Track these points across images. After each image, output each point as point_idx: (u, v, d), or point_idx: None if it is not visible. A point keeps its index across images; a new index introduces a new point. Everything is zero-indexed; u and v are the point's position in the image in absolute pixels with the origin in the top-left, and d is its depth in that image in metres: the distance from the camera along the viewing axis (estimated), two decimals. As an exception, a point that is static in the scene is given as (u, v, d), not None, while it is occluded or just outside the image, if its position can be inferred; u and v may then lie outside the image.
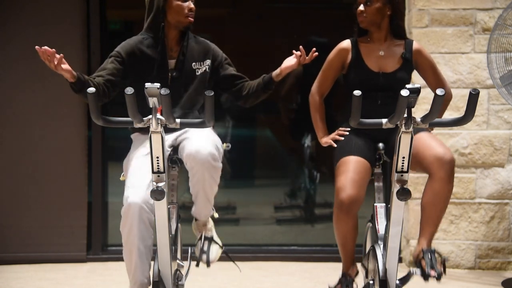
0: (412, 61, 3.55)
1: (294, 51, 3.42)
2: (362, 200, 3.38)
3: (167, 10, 3.35)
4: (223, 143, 3.42)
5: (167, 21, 3.38)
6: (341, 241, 3.48)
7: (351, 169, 3.36)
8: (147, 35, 3.39)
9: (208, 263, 3.46)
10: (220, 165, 3.27)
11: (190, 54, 3.41)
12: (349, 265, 3.53)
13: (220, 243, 3.55)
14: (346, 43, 3.58)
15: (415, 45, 3.57)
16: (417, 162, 3.35)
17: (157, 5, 3.35)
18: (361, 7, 3.50)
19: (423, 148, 3.33)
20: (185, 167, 3.28)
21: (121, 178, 3.38)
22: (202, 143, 3.18)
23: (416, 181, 4.82)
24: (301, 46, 3.42)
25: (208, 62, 3.45)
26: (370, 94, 3.39)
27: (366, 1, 3.49)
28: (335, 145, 3.53)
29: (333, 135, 3.59)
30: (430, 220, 3.37)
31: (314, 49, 3.42)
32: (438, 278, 3.20)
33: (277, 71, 3.46)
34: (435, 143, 3.36)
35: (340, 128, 3.58)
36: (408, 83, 3.48)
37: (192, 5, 3.37)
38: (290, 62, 3.44)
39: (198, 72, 3.42)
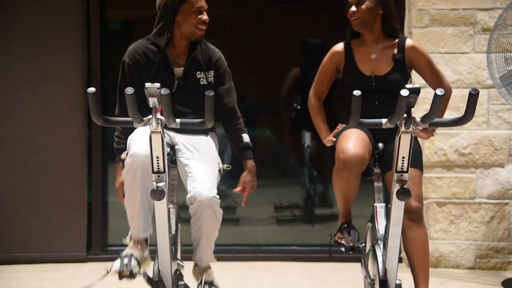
0: (405, 60, 3.53)
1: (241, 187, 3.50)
2: (366, 162, 3.36)
3: (180, 22, 3.34)
4: (223, 163, 3.43)
5: (178, 31, 3.36)
6: (342, 197, 3.47)
7: (353, 136, 3.35)
8: (154, 41, 3.38)
9: None
10: (221, 210, 3.28)
11: (196, 63, 3.40)
12: (348, 215, 3.56)
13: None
14: (339, 47, 3.59)
15: (408, 43, 3.55)
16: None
17: (169, 17, 3.33)
18: (353, 8, 3.49)
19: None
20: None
21: (123, 156, 3.36)
22: (205, 185, 3.19)
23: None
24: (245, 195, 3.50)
25: (212, 73, 3.43)
26: (367, 95, 3.38)
27: (358, 2, 3.48)
28: (334, 139, 3.53)
29: (334, 132, 3.59)
30: (418, 268, 3.38)
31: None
32: None
33: (245, 169, 3.50)
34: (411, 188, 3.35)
35: (339, 124, 3.60)
36: (403, 83, 3.48)
37: (205, 17, 3.36)
38: (241, 184, 3.51)
39: (202, 82, 3.40)
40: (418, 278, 3.41)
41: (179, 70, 3.38)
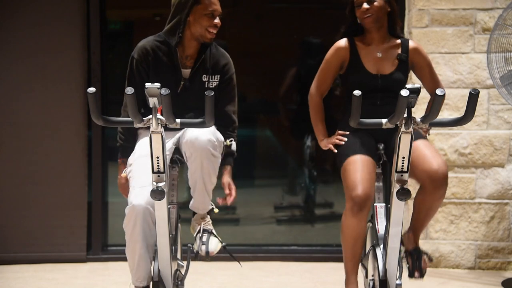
0: (408, 60, 3.53)
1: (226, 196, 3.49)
2: (372, 199, 3.38)
3: (192, 23, 3.33)
4: (225, 140, 3.41)
5: (189, 32, 3.35)
6: (351, 245, 3.40)
7: (360, 168, 3.35)
8: (165, 39, 3.37)
9: (207, 254, 3.41)
10: (219, 154, 3.26)
11: (204, 66, 3.39)
12: (354, 274, 3.46)
13: (220, 238, 3.54)
14: (344, 42, 3.55)
15: (412, 44, 3.56)
16: (410, 173, 3.34)
17: (182, 16, 3.32)
18: (365, 5, 3.46)
19: (416, 160, 3.31)
20: (185, 160, 3.28)
21: (123, 175, 3.37)
22: (202, 131, 3.17)
23: (416, 181, 4.81)
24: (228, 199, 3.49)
25: (218, 77, 3.42)
26: (369, 95, 3.38)
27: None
28: (335, 150, 3.50)
29: (333, 139, 3.56)
30: (420, 222, 3.45)
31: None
32: (421, 277, 3.45)
33: (223, 174, 3.48)
34: (429, 155, 3.34)
35: (339, 132, 3.57)
36: (405, 83, 3.49)
37: (217, 20, 3.34)
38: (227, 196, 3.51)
39: (207, 85, 3.40)
40: (416, 226, 3.47)
41: (186, 72, 3.37)
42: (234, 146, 3.50)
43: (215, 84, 3.42)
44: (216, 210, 3.53)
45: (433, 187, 3.30)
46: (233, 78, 3.48)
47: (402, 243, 3.41)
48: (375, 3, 3.46)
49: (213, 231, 3.51)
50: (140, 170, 3.20)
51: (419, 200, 3.40)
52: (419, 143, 3.37)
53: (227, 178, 3.47)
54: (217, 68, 3.42)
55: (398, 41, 3.55)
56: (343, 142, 3.49)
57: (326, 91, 3.65)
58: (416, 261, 3.43)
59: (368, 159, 3.39)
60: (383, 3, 3.47)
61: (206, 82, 3.40)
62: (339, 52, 3.55)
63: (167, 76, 3.31)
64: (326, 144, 3.57)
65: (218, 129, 3.37)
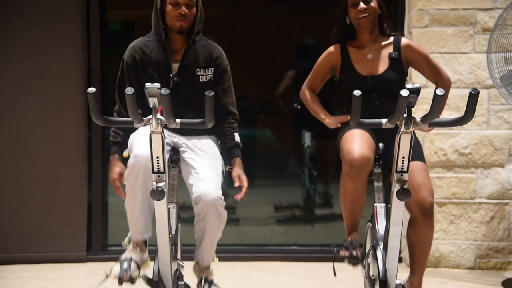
0: (401, 58, 3.54)
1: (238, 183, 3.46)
2: (371, 164, 3.37)
3: (164, 14, 3.34)
4: (226, 165, 3.43)
5: (166, 25, 3.36)
6: (349, 206, 3.44)
7: (358, 137, 3.36)
8: (153, 37, 3.39)
9: None
10: (225, 212, 3.28)
11: (195, 59, 3.38)
12: (355, 230, 3.52)
13: (220, 287, 3.55)
14: (335, 47, 3.61)
15: (403, 42, 3.56)
16: None
17: (156, 8, 3.35)
18: (362, 5, 3.47)
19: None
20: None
21: (124, 154, 3.37)
22: (210, 186, 3.20)
23: (416, 181, 4.81)
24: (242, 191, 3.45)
25: (212, 70, 3.41)
26: (366, 96, 3.38)
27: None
28: (340, 123, 3.53)
29: (339, 118, 3.58)
30: (418, 260, 3.46)
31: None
32: None
33: (233, 167, 3.48)
34: (418, 183, 3.34)
35: (340, 116, 3.60)
36: (399, 81, 3.50)
37: (183, 9, 3.31)
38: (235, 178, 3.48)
39: (201, 79, 3.39)
40: (416, 269, 3.48)
41: (175, 66, 3.38)
42: (237, 138, 3.50)
43: (210, 77, 3.41)
44: (216, 260, 3.53)
45: (422, 216, 3.34)
46: (227, 69, 3.47)
47: None
48: (372, 4, 3.48)
49: (214, 280, 3.52)
50: (141, 139, 3.18)
51: (412, 235, 3.41)
52: (414, 167, 3.36)
53: (237, 171, 3.46)
54: (210, 61, 3.41)
55: (391, 39, 3.57)
56: (347, 119, 3.49)
57: (317, 90, 3.71)
58: None
59: (366, 134, 3.41)
60: (377, 3, 3.52)
61: (201, 76, 3.39)
62: (330, 56, 3.62)
63: (156, 73, 3.32)
64: (332, 122, 3.58)
65: (218, 122, 3.36)
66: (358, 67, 3.53)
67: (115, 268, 3.20)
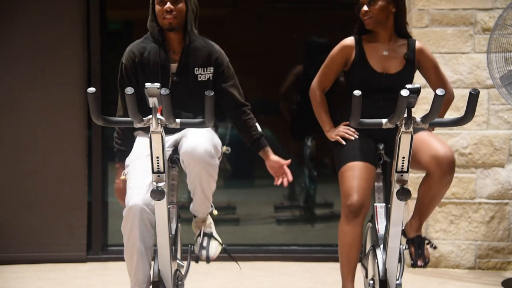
0: (415, 61, 3.53)
1: (278, 175, 3.51)
2: (369, 207, 3.38)
3: (156, 14, 3.35)
4: (223, 145, 3.41)
5: (160, 25, 3.36)
6: (346, 251, 3.42)
7: (357, 175, 3.35)
8: (149, 39, 3.38)
9: (207, 259, 3.45)
10: (217, 162, 3.26)
11: (193, 59, 3.37)
12: (350, 281, 3.46)
13: (220, 240, 3.55)
14: (350, 40, 3.54)
15: (418, 45, 3.55)
16: (416, 161, 3.34)
17: (150, 9, 3.35)
18: (365, 8, 3.46)
19: (422, 147, 3.32)
20: (183, 168, 3.28)
21: (122, 177, 3.38)
22: (199, 140, 3.18)
23: (416, 181, 4.81)
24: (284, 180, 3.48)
25: (211, 69, 3.40)
26: (372, 95, 3.38)
27: (369, 1, 3.46)
28: (344, 143, 3.49)
29: (341, 131, 3.54)
30: (423, 209, 3.44)
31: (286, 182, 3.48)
32: (425, 266, 3.41)
33: (270, 165, 3.53)
34: (434, 141, 3.34)
35: (344, 122, 3.56)
36: (410, 83, 3.47)
37: (168, 5, 3.29)
38: (271, 169, 3.53)
39: (200, 78, 3.38)
40: (419, 213, 3.46)
41: (174, 66, 3.37)
42: (259, 128, 3.51)
43: (208, 77, 3.40)
44: (215, 212, 3.54)
45: (440, 172, 3.29)
46: (229, 66, 3.47)
47: (403, 233, 3.41)
48: (375, 6, 3.45)
49: (213, 233, 3.51)
50: (136, 172, 3.20)
51: (425, 188, 3.38)
52: (424, 133, 3.37)
53: (273, 159, 3.48)
54: (209, 60, 3.40)
55: (405, 41, 3.55)
56: (353, 138, 3.47)
57: (328, 87, 3.65)
58: (418, 249, 3.41)
59: (366, 166, 3.39)
60: (385, 4, 3.46)
61: (199, 75, 3.38)
62: (345, 50, 3.54)
63: (155, 74, 3.31)
64: (333, 135, 3.56)
65: (234, 120, 3.43)
66: (372, 62, 3.49)
67: None
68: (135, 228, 3.10)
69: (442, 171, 3.29)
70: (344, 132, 3.52)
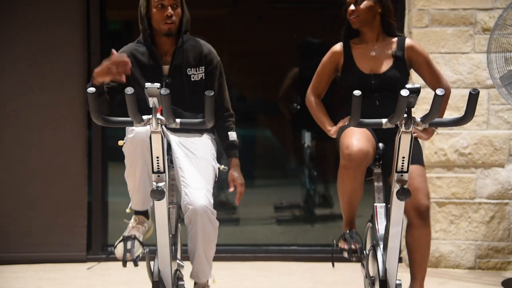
0: (405, 58, 3.54)
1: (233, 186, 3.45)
2: (371, 159, 3.36)
3: (151, 18, 3.33)
4: (220, 163, 3.41)
5: (154, 29, 3.35)
6: (347, 199, 3.43)
7: (357, 132, 3.35)
8: (142, 42, 3.38)
9: None
10: (217, 223, 3.25)
11: (184, 59, 3.37)
12: (353, 223, 3.51)
13: None
14: (339, 46, 3.60)
15: (408, 42, 3.56)
16: None
17: (141, 14, 3.34)
18: (352, 7, 3.50)
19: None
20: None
21: (120, 143, 3.33)
22: (199, 195, 3.16)
23: (416, 181, 4.81)
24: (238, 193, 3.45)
25: (202, 68, 3.40)
26: (367, 95, 3.38)
27: (356, 0, 3.49)
28: (347, 123, 3.49)
29: (339, 124, 3.57)
30: (418, 264, 3.48)
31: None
32: None
33: (231, 167, 3.46)
34: (415, 187, 3.36)
35: (341, 121, 3.59)
36: (402, 81, 3.49)
37: (169, 10, 3.29)
38: (231, 181, 3.46)
39: (193, 78, 3.38)
40: (416, 274, 3.49)
41: (166, 68, 3.37)
42: (233, 136, 3.48)
43: (201, 76, 3.39)
44: (215, 282, 3.51)
45: (418, 219, 3.38)
46: (217, 66, 3.44)
47: None
48: (361, 5, 3.48)
49: None
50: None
51: (410, 240, 3.44)
52: (412, 171, 3.34)
53: (232, 174, 3.44)
54: (200, 59, 3.40)
55: (394, 39, 3.56)
56: (346, 122, 3.48)
57: (323, 93, 3.69)
58: None
59: (365, 130, 3.40)
60: (372, 4, 3.49)
61: (192, 75, 3.38)
62: (334, 56, 3.60)
63: (147, 77, 3.30)
64: (335, 132, 3.57)
65: (215, 125, 3.38)
66: (360, 64, 3.52)
67: (118, 248, 3.21)
68: (138, 148, 3.10)
69: (420, 219, 3.39)
70: (344, 121, 3.55)
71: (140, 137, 3.10)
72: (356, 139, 3.32)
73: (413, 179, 3.37)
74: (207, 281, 3.44)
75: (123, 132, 3.55)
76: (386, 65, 3.51)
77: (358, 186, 3.37)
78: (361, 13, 3.49)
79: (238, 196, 3.46)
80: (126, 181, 3.25)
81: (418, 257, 3.45)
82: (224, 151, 3.51)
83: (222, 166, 3.42)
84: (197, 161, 3.27)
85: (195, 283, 3.42)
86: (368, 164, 3.38)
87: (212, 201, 3.21)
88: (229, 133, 3.47)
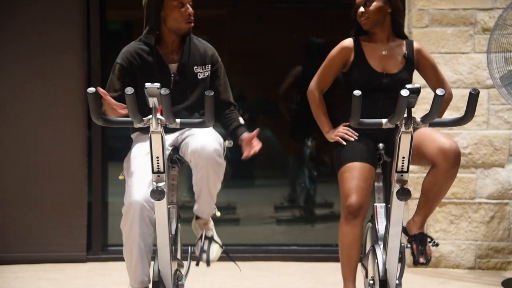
0: (414, 61, 3.54)
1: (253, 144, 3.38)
2: (368, 207, 3.38)
3: (166, 18, 3.33)
4: (224, 140, 3.41)
5: (166, 28, 3.35)
6: (346, 251, 3.42)
7: (357, 175, 3.35)
8: (146, 41, 3.37)
9: (208, 263, 3.46)
10: (224, 162, 3.26)
11: (192, 58, 3.40)
12: (351, 279, 3.46)
13: (220, 243, 3.55)
14: (349, 42, 3.56)
15: (416, 45, 3.57)
16: (421, 154, 3.33)
17: (154, 14, 3.33)
18: (361, 9, 3.49)
19: (427, 140, 3.31)
20: (188, 165, 3.27)
21: (120, 177, 3.37)
22: (207, 139, 3.18)
23: (416, 181, 4.82)
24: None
25: (209, 67, 3.44)
26: (372, 94, 3.38)
27: (366, 2, 3.48)
28: (344, 143, 3.48)
29: (341, 132, 3.54)
30: (428, 204, 3.41)
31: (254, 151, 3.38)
32: (427, 263, 3.35)
33: (243, 140, 3.42)
34: (439, 135, 3.34)
35: (344, 124, 3.56)
36: (410, 83, 3.48)
37: (190, 9, 3.35)
38: (248, 150, 3.38)
39: (199, 76, 3.41)
40: (422, 208, 3.42)
41: (174, 66, 3.38)
42: (242, 120, 3.50)
43: (207, 74, 3.44)
44: (218, 214, 3.54)
45: (447, 164, 3.28)
46: (221, 65, 3.51)
47: (404, 231, 3.41)
48: (371, 7, 3.47)
49: (214, 237, 3.51)
50: (136, 169, 3.19)
51: (431, 181, 3.35)
52: (427, 129, 3.34)
53: (249, 134, 3.39)
54: (206, 58, 3.43)
55: (403, 41, 3.57)
56: (352, 139, 3.47)
57: (326, 89, 3.65)
58: (420, 246, 3.38)
59: (365, 166, 3.38)
60: (382, 4, 3.48)
61: (199, 73, 3.41)
62: (344, 51, 3.55)
63: (155, 76, 3.31)
64: (333, 136, 3.56)
65: (221, 115, 3.42)
66: (372, 62, 3.50)
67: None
68: (135, 224, 3.09)
69: (448, 163, 3.27)
70: (343, 133, 3.52)
71: (135, 210, 3.08)
72: (357, 186, 3.33)
73: (431, 132, 3.33)
74: (210, 217, 3.49)
75: (123, 132, 3.56)
76: (398, 66, 3.50)
77: (357, 237, 3.38)
78: (371, 15, 3.48)
79: (252, 151, 3.36)
80: (124, 256, 3.21)
81: (433, 198, 3.37)
82: (232, 133, 3.49)
83: (227, 142, 3.42)
84: (202, 131, 3.24)
85: (197, 217, 3.45)
86: (366, 212, 3.39)
87: (219, 146, 3.18)
88: (239, 118, 3.50)
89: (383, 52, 3.51)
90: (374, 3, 3.47)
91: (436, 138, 3.32)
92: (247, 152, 3.34)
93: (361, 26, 3.54)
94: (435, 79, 3.58)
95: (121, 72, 3.34)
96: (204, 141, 3.17)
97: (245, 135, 3.42)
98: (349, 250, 3.40)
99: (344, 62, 3.56)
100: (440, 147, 3.29)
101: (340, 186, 3.42)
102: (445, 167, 3.28)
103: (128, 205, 3.11)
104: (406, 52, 3.52)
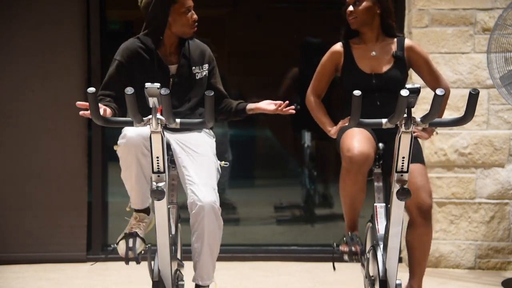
0: (405, 58, 3.55)
1: (274, 102, 3.41)
2: (372, 161, 3.36)
3: (172, 23, 3.34)
4: (220, 160, 3.41)
5: (169, 31, 3.36)
6: (349, 202, 3.43)
7: (358, 134, 3.35)
8: (145, 42, 3.37)
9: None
10: (221, 220, 3.25)
11: (190, 58, 3.42)
12: (355, 226, 3.51)
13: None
14: (338, 46, 3.61)
15: (407, 42, 3.58)
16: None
17: (161, 19, 3.32)
18: (350, 8, 3.52)
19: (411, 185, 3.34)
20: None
21: (115, 147, 3.33)
22: (205, 189, 3.17)
23: (416, 181, 4.81)
24: (282, 103, 3.39)
25: (206, 66, 3.47)
26: (368, 95, 3.39)
27: (355, 1, 3.50)
28: (347, 124, 3.50)
29: (339, 125, 3.58)
30: (417, 262, 3.50)
31: (293, 107, 3.41)
32: None
33: (252, 106, 3.47)
34: (418, 185, 3.37)
35: (341, 121, 3.59)
36: (403, 81, 3.50)
37: (195, 15, 3.37)
38: (266, 106, 3.43)
39: (197, 76, 3.43)
40: (415, 271, 3.51)
41: (173, 68, 3.39)
42: (241, 106, 3.52)
43: (204, 74, 3.46)
44: (216, 286, 3.49)
45: (420, 218, 3.39)
46: (215, 63, 3.55)
47: None
48: (360, 7, 3.49)
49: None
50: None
51: (411, 237, 3.46)
52: (414, 170, 3.37)
53: (262, 103, 3.44)
54: (203, 58, 3.46)
55: (394, 39, 3.58)
56: (346, 123, 3.49)
57: (323, 93, 3.70)
58: None
59: (367, 132, 3.41)
60: (370, 5, 3.51)
61: (196, 73, 3.43)
62: (334, 56, 3.60)
63: (154, 76, 3.30)
64: (335, 133, 3.58)
65: (218, 108, 3.45)
66: (361, 64, 3.53)
67: (121, 245, 3.25)
68: (132, 152, 3.12)
69: (423, 218, 3.40)
70: (344, 122, 3.55)
71: (132, 142, 3.11)
72: (357, 141, 3.32)
73: (415, 178, 3.37)
74: (209, 286, 3.41)
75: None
76: (387, 65, 3.52)
77: (360, 189, 3.37)
78: (359, 14, 3.51)
79: (283, 105, 3.40)
80: (123, 182, 3.26)
81: (418, 255, 3.47)
82: (236, 108, 3.51)
83: (223, 162, 3.43)
84: (199, 158, 3.29)
85: (197, 286, 3.37)
86: (370, 167, 3.38)
87: (218, 198, 3.22)
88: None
89: (372, 53, 3.55)
90: (363, 3, 3.50)
91: (414, 190, 3.28)
92: (278, 105, 3.38)
93: (350, 25, 3.56)
94: (429, 75, 3.59)
95: (119, 68, 3.35)
96: (203, 191, 3.16)
97: (255, 103, 3.45)
98: (352, 200, 3.41)
99: (335, 66, 3.61)
100: (416, 203, 3.38)
101: (341, 145, 3.40)
102: (420, 222, 3.41)
103: (122, 137, 3.13)
104: (395, 50, 3.53)
